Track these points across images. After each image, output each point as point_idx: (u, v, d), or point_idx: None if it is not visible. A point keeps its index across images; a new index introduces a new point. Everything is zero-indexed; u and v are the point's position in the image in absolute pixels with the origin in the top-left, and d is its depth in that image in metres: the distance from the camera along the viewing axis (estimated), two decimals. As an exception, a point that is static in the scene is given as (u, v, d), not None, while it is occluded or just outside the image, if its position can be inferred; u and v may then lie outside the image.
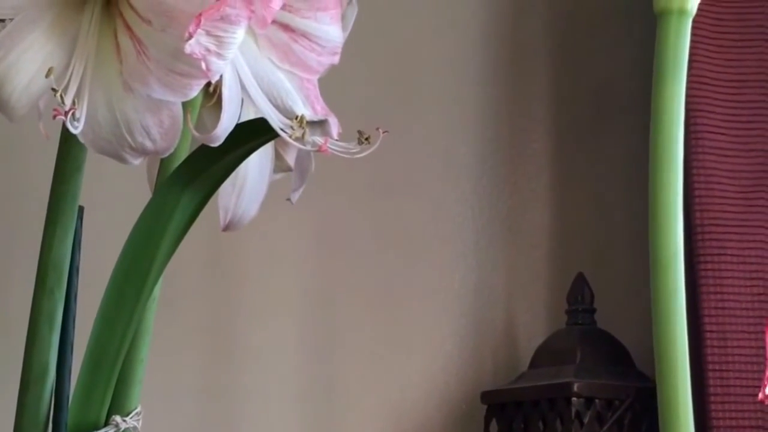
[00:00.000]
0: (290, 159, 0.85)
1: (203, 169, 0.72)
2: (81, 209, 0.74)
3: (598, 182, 1.58)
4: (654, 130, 0.71)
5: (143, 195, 0.76)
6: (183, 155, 0.75)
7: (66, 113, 0.60)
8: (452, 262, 1.53)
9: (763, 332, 1.29)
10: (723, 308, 1.35)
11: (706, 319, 1.34)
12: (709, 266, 1.36)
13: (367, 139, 0.71)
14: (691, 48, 0.74)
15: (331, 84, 0.76)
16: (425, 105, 1.55)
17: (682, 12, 0.72)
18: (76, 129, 0.61)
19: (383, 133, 0.72)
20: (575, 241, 1.57)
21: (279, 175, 0.87)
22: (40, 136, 0.66)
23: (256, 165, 0.84)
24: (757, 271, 1.35)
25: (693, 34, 0.72)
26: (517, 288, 1.55)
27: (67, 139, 0.69)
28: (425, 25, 1.57)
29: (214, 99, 0.70)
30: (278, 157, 0.85)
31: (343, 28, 0.76)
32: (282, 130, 0.67)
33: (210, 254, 1.42)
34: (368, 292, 1.49)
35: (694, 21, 0.73)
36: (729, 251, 1.36)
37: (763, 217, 1.37)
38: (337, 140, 0.70)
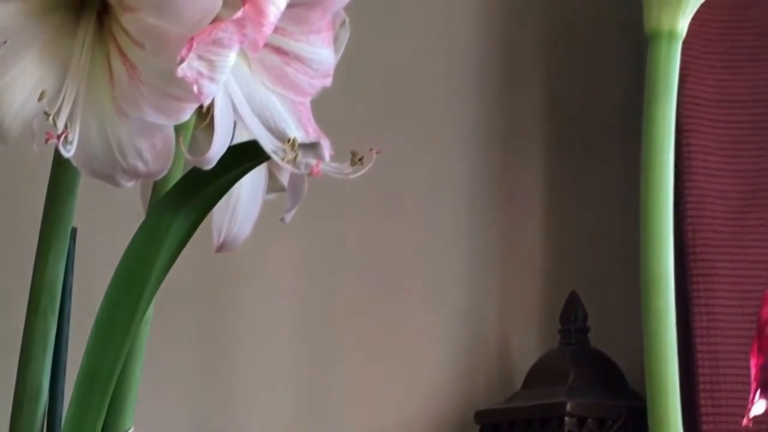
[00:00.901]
0: (284, 179, 0.85)
1: (196, 191, 0.73)
2: (74, 230, 0.74)
3: (592, 202, 1.58)
4: (645, 151, 0.72)
5: (136, 216, 0.76)
6: (176, 177, 0.76)
7: (58, 137, 0.61)
8: (445, 281, 1.53)
9: (755, 352, 1.29)
10: (714, 328, 1.35)
11: (698, 339, 1.34)
12: (701, 286, 1.36)
13: (360, 159, 0.72)
14: (683, 69, 0.74)
15: (323, 104, 0.77)
16: (418, 125, 1.55)
17: (672, 34, 0.73)
18: (69, 152, 0.61)
19: (376, 153, 0.72)
20: (568, 261, 1.57)
21: (272, 195, 0.87)
22: (34, 156, 0.67)
23: (250, 185, 0.84)
24: (748, 291, 1.35)
25: (684, 55, 0.72)
26: (510, 307, 1.55)
27: (60, 162, 0.69)
28: (417, 44, 1.57)
29: (208, 119, 0.71)
30: (272, 177, 0.86)
31: (336, 50, 0.76)
32: (274, 153, 0.67)
33: (203, 274, 1.42)
34: (361, 311, 1.50)
35: (685, 42, 0.73)
36: (720, 271, 1.36)
37: (754, 238, 1.38)
38: (329, 161, 0.71)
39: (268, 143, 0.68)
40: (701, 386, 1.34)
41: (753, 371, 0.65)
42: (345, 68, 0.77)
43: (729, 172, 1.39)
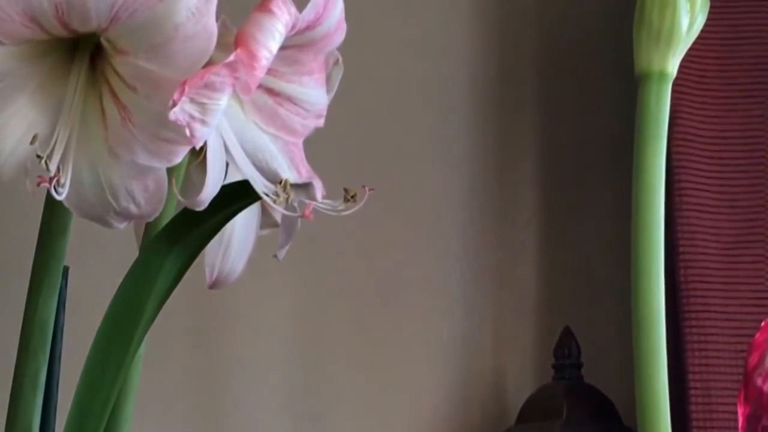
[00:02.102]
0: (277, 215, 0.85)
1: (188, 230, 0.73)
2: (66, 269, 0.74)
3: (586, 236, 1.58)
4: (635, 191, 0.72)
5: (128, 255, 0.76)
6: (169, 215, 0.76)
7: (50, 180, 0.61)
8: (440, 314, 1.53)
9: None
10: (707, 365, 1.35)
11: (691, 376, 1.34)
12: (694, 323, 1.36)
13: (353, 197, 0.72)
14: (675, 106, 0.74)
15: (316, 139, 0.77)
16: (412, 158, 1.56)
17: (662, 75, 0.73)
18: (61, 195, 0.62)
19: (369, 190, 0.72)
20: (563, 294, 1.57)
21: (266, 231, 0.87)
22: (26, 195, 0.67)
23: (243, 223, 0.84)
24: (741, 328, 1.35)
25: (676, 92, 0.73)
26: (504, 340, 1.55)
27: (52, 202, 0.69)
28: (412, 77, 1.58)
29: (201, 156, 0.71)
30: (265, 213, 0.86)
31: (329, 89, 0.76)
32: (266, 194, 0.67)
33: (196, 311, 1.41)
34: (356, 344, 1.49)
35: (677, 78, 0.74)
36: (713, 308, 1.36)
37: (747, 274, 1.38)
38: (322, 199, 0.71)
39: (260, 185, 0.68)
40: (694, 423, 1.34)
41: (740, 420, 0.65)
42: (338, 100, 0.77)
43: (721, 209, 1.39)
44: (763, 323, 0.67)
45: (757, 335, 0.66)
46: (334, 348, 1.49)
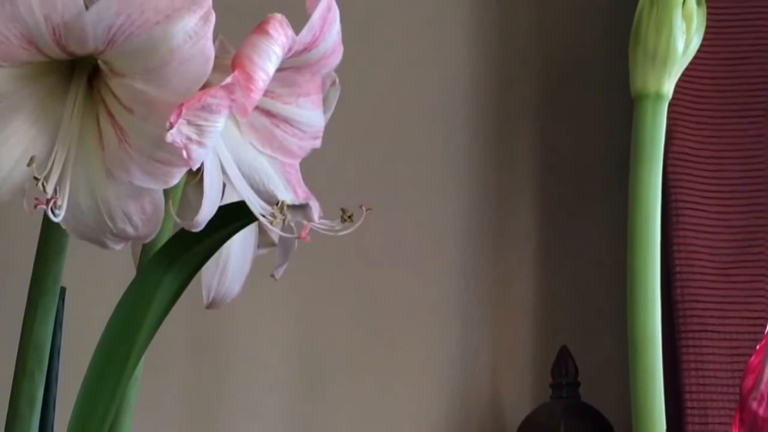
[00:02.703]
0: (274, 235, 0.85)
1: (185, 250, 0.73)
2: (63, 290, 0.74)
3: (584, 254, 1.58)
4: (631, 211, 0.72)
5: (125, 276, 0.76)
6: (166, 236, 0.76)
7: (47, 202, 0.61)
8: (437, 332, 1.53)
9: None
10: (704, 384, 1.35)
11: (687, 396, 1.34)
12: (690, 342, 1.36)
13: (350, 216, 0.72)
14: (671, 125, 0.75)
15: (314, 158, 0.77)
16: (410, 176, 1.56)
17: (658, 96, 0.73)
18: (58, 217, 0.61)
19: (366, 210, 0.72)
20: (560, 313, 1.57)
21: (264, 250, 0.87)
22: (23, 215, 0.67)
23: (240, 243, 0.84)
24: (738, 347, 1.35)
25: (673, 111, 0.73)
26: (502, 359, 1.55)
27: (49, 223, 0.69)
28: (410, 97, 1.58)
29: (199, 176, 0.71)
30: (262, 232, 0.86)
31: (326, 109, 0.76)
32: (263, 216, 0.67)
33: (193, 330, 1.41)
34: (353, 362, 1.49)
35: (673, 98, 0.74)
36: (710, 328, 1.36)
37: (743, 294, 1.38)
38: (320, 219, 0.71)
39: (256, 206, 0.68)
40: (691, 442, 1.34)
41: None
42: (336, 121, 0.78)
43: (718, 229, 1.40)
44: (758, 346, 0.67)
45: (752, 358, 0.66)
46: (332, 366, 1.49)
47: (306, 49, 0.68)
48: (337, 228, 0.72)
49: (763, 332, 1.28)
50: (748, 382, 0.64)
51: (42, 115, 0.64)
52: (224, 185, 0.71)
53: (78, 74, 0.65)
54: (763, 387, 0.64)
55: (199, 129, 0.60)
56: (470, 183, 1.58)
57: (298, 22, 0.66)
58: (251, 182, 0.70)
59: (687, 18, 0.73)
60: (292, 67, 0.69)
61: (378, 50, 1.56)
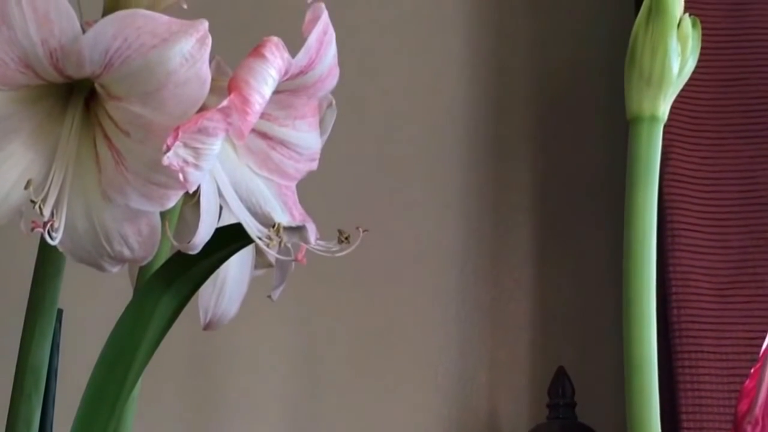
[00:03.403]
0: (271, 256, 0.85)
1: (182, 272, 0.73)
2: (60, 312, 0.74)
3: (581, 275, 1.59)
4: (627, 234, 0.72)
5: (122, 298, 0.76)
6: (163, 258, 0.76)
7: (44, 225, 0.61)
8: (435, 352, 1.53)
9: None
10: (700, 405, 1.35)
11: (684, 416, 1.34)
12: (686, 363, 1.36)
13: (347, 238, 0.72)
14: (668, 146, 0.75)
15: (312, 179, 0.77)
16: (407, 198, 1.56)
17: (653, 119, 0.73)
18: (55, 240, 0.62)
19: (363, 231, 0.72)
20: (557, 333, 1.57)
21: (261, 271, 0.87)
22: (20, 237, 0.67)
23: (237, 264, 0.84)
24: (734, 368, 1.35)
25: (669, 132, 0.73)
26: (499, 379, 1.55)
27: (46, 245, 0.69)
28: (407, 117, 1.58)
29: (196, 198, 0.71)
30: (260, 253, 0.86)
31: (322, 132, 0.76)
32: (259, 238, 0.67)
33: (190, 351, 1.41)
34: (351, 383, 1.49)
35: (669, 119, 0.74)
36: (706, 348, 1.36)
37: (739, 314, 1.38)
38: (317, 241, 0.71)
39: (253, 228, 0.68)
40: (688, 463, 1.34)
41: None
42: (333, 142, 0.78)
43: (714, 249, 1.40)
44: (752, 370, 0.67)
45: (747, 382, 0.65)
46: (329, 387, 1.49)
47: (302, 72, 0.68)
48: (334, 249, 0.72)
49: (759, 353, 1.28)
50: (743, 406, 0.63)
51: (39, 137, 0.64)
52: (221, 207, 0.71)
53: (75, 97, 0.65)
54: (757, 411, 0.64)
55: (196, 152, 0.60)
56: (468, 203, 1.58)
57: (294, 44, 0.67)
58: (248, 204, 0.70)
59: (682, 40, 0.73)
60: (288, 89, 0.69)
61: (374, 72, 1.57)
